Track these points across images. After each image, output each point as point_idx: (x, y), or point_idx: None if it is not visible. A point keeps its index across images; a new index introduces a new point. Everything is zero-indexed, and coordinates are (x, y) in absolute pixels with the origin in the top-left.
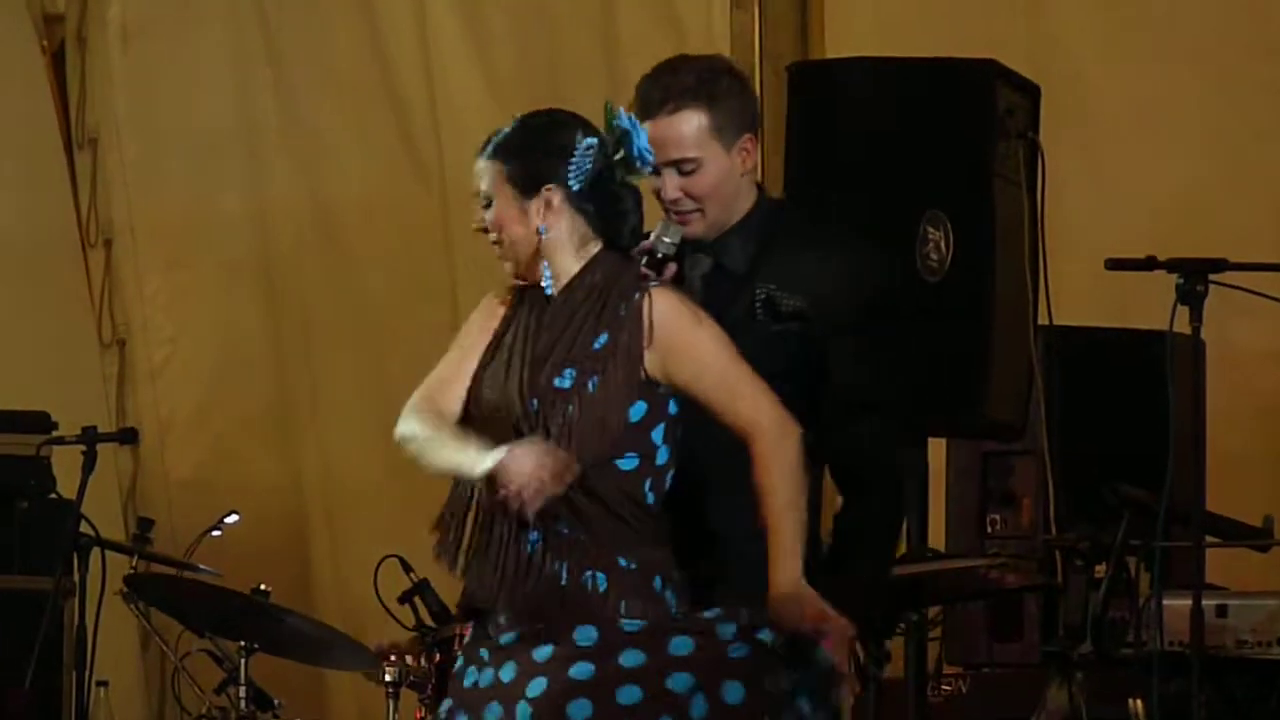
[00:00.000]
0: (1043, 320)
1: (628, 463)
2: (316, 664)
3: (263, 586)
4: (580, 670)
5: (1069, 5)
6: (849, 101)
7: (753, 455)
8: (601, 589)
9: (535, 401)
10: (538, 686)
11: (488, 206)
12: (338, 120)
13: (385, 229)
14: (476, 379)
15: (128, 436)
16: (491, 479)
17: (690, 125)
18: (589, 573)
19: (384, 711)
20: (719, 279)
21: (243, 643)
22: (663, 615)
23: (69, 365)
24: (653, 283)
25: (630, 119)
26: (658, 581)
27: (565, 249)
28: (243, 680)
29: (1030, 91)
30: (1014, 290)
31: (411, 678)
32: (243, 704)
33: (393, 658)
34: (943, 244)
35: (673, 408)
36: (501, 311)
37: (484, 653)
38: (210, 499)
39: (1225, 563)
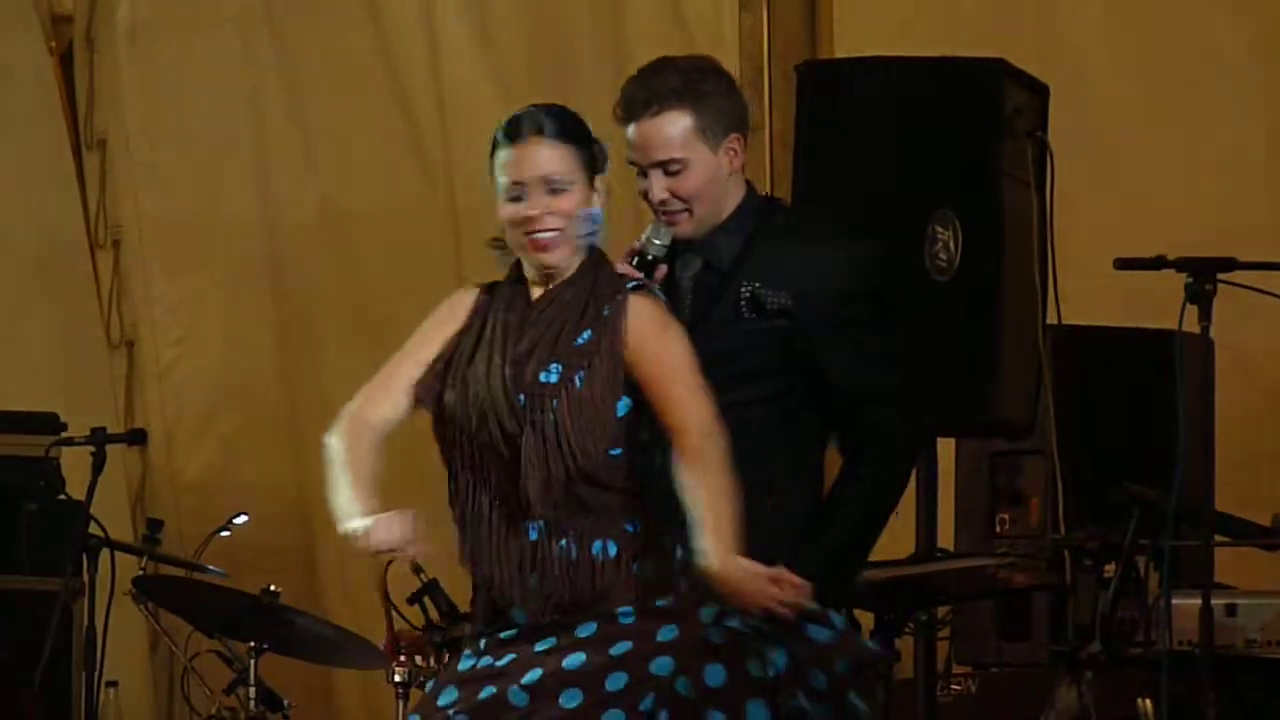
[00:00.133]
0: (1051, 319)
1: (616, 453)
2: (326, 664)
3: (272, 587)
4: (573, 660)
5: (1078, 4)
6: (858, 101)
7: (677, 452)
8: (613, 554)
9: (522, 397)
10: (533, 675)
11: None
12: (346, 122)
13: (393, 231)
14: (455, 378)
15: (136, 437)
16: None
17: (675, 126)
18: (598, 543)
19: (394, 711)
20: (707, 278)
21: (252, 643)
22: (668, 573)
23: (77, 366)
24: (631, 285)
25: None
26: (666, 540)
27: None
28: (252, 681)
29: (1039, 91)
30: (1023, 289)
31: (421, 677)
32: (252, 704)
33: (402, 645)
34: (951, 243)
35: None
36: (463, 315)
37: (483, 643)
38: (218, 500)
39: (1234, 562)
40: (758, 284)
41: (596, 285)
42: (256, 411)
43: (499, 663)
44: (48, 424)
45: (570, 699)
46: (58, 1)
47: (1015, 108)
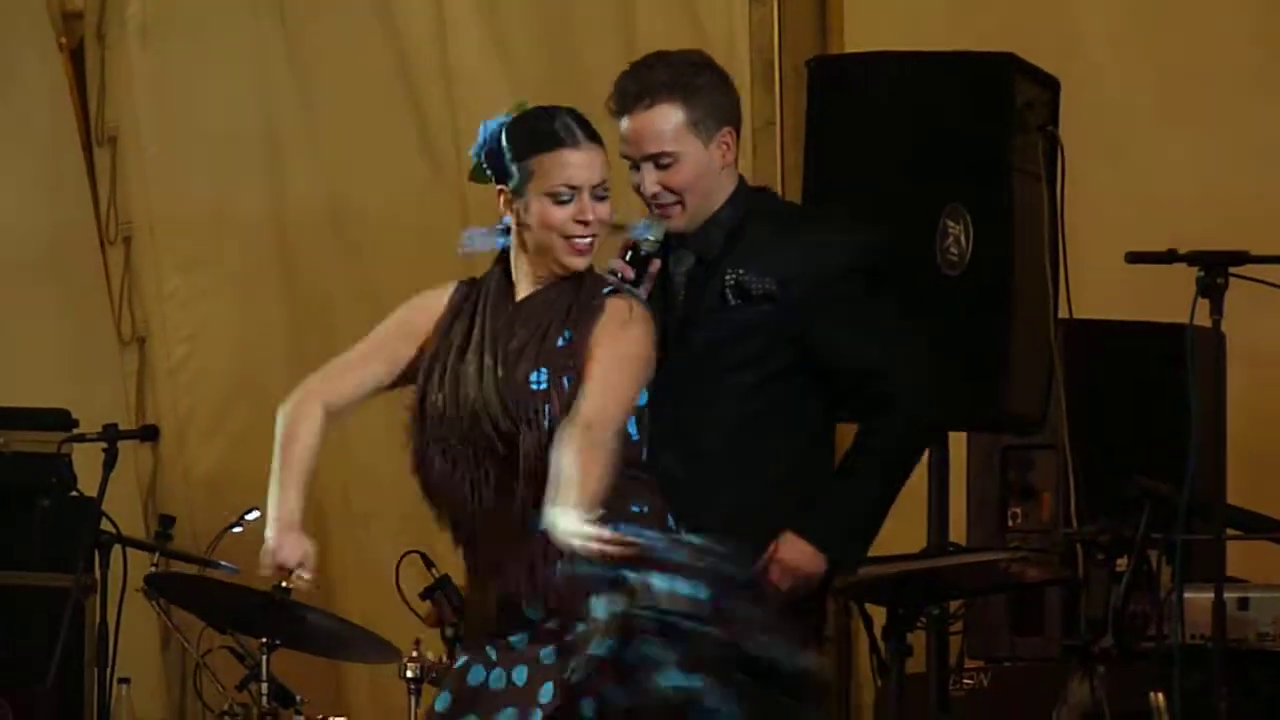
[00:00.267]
0: (1063, 313)
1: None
2: (338, 659)
3: (284, 583)
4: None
5: None
6: (868, 96)
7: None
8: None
9: (514, 401)
10: (547, 693)
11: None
12: (357, 118)
13: (403, 228)
14: (440, 378)
15: (148, 434)
16: None
17: (666, 120)
18: (609, 526)
19: (406, 707)
20: (699, 271)
21: (264, 639)
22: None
23: (89, 363)
24: (608, 290)
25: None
26: (670, 520)
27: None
28: (264, 676)
29: (1049, 85)
30: (1034, 284)
31: (433, 674)
32: (264, 700)
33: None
34: (963, 238)
35: (642, 399)
36: (436, 312)
37: (491, 651)
38: (230, 496)
39: (1246, 556)
40: (741, 271)
41: (581, 288)
42: (268, 407)
43: (515, 676)
44: (59, 420)
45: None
46: None
47: (1026, 102)
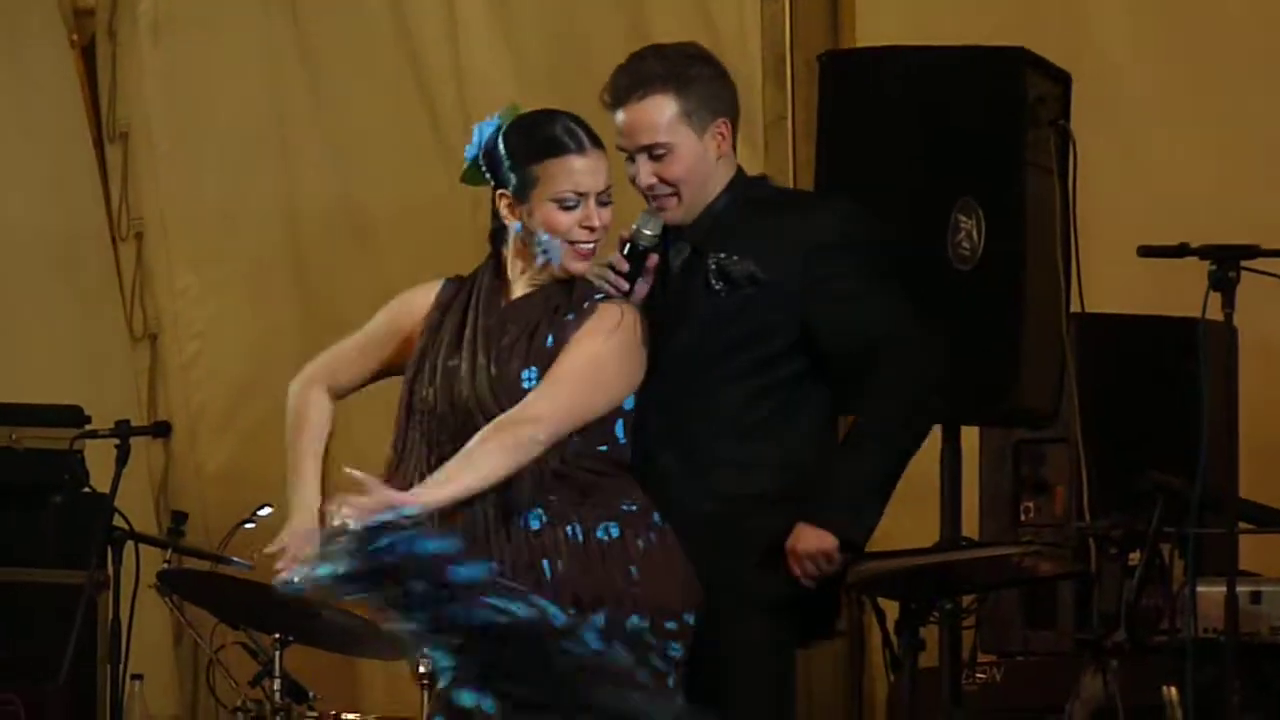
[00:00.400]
0: (1075, 308)
1: (601, 449)
2: (351, 655)
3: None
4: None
5: None
6: (880, 91)
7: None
8: (615, 535)
9: (508, 400)
10: None
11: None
12: (369, 115)
13: (415, 223)
14: (430, 374)
15: (161, 430)
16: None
17: (659, 111)
18: (602, 526)
19: (419, 702)
20: (693, 261)
21: (277, 635)
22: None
23: (101, 359)
24: (599, 297)
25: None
26: (656, 517)
27: None
28: (277, 672)
29: (1061, 79)
30: (1046, 278)
31: None
32: (277, 696)
33: None
34: (974, 232)
35: (629, 403)
36: (424, 308)
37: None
38: (241, 492)
39: (1258, 549)
40: (721, 255)
41: (573, 290)
42: (280, 404)
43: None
44: (72, 417)
45: None
46: None
47: (1038, 96)
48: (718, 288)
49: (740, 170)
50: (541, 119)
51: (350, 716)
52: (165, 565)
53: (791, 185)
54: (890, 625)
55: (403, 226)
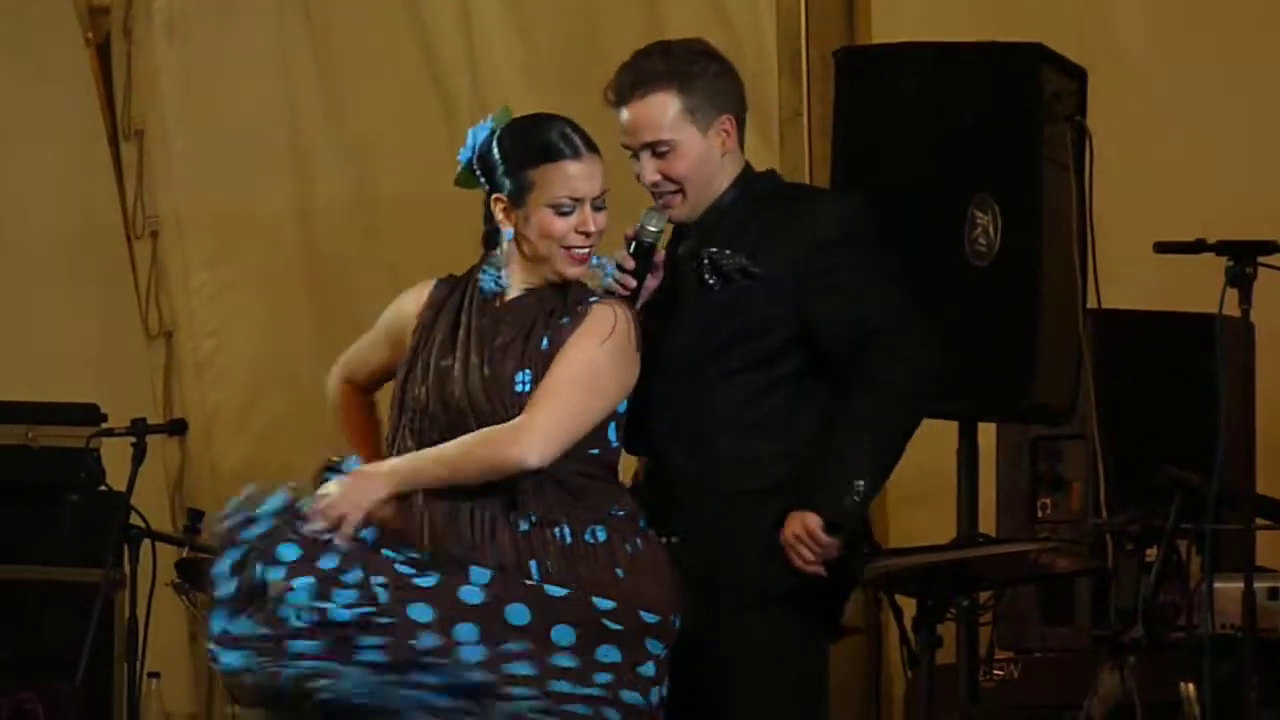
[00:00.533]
0: (1091, 304)
1: (592, 451)
2: None
3: None
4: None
5: None
6: (896, 87)
7: None
8: (603, 539)
9: (500, 402)
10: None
11: None
12: (382, 112)
13: (429, 219)
14: (423, 373)
15: (177, 428)
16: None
17: (661, 108)
18: (589, 529)
19: None
20: (693, 257)
21: None
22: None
23: (116, 358)
24: (593, 300)
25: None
26: (643, 522)
27: None
28: None
29: (1077, 75)
30: (1062, 274)
31: None
32: None
33: None
34: (991, 228)
35: (622, 407)
36: (416, 309)
37: None
38: None
39: (1276, 545)
40: (714, 250)
41: (568, 294)
42: (295, 401)
43: None
44: (88, 415)
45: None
46: None
47: (1054, 92)
48: (711, 282)
49: (748, 165)
50: (536, 124)
51: None
52: (182, 563)
53: (807, 181)
54: (907, 622)
55: (417, 221)
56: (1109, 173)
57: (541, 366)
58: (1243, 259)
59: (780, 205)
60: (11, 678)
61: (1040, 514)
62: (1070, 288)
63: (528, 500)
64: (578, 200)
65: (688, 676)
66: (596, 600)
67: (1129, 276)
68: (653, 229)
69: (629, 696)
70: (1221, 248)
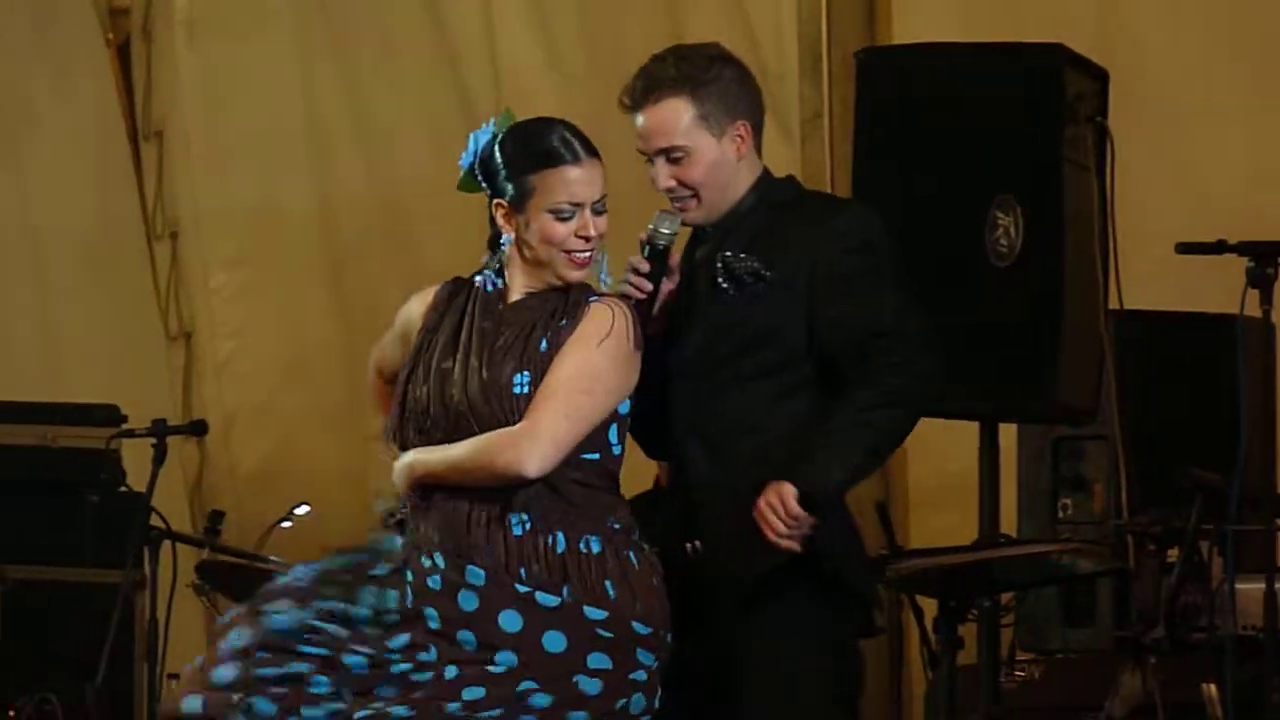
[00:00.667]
0: (1113, 304)
1: (591, 456)
2: None
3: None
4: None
5: None
6: (917, 88)
7: None
8: (596, 550)
9: (499, 405)
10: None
11: None
12: (403, 113)
13: (451, 221)
14: (424, 374)
15: (198, 429)
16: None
17: (674, 114)
18: (584, 539)
19: None
20: (709, 261)
21: None
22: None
23: (136, 358)
24: (592, 298)
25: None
26: (637, 534)
27: None
28: None
29: (1099, 76)
30: (1084, 275)
31: None
32: None
33: None
34: (1013, 229)
35: (624, 408)
36: (421, 311)
37: None
38: (276, 491)
39: None
40: (728, 254)
41: (569, 294)
42: (315, 402)
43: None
44: (108, 416)
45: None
46: None
47: (1076, 93)
48: (725, 286)
49: (766, 171)
50: (537, 128)
51: None
52: (202, 564)
53: (828, 182)
54: (928, 623)
55: (437, 222)
56: (1130, 174)
57: (540, 368)
58: (1264, 260)
59: (798, 213)
60: (32, 678)
61: (1062, 514)
62: (1092, 288)
63: (525, 504)
64: (578, 205)
65: (708, 678)
66: (588, 609)
67: (1151, 277)
68: (666, 231)
69: (618, 704)
70: (1243, 249)
